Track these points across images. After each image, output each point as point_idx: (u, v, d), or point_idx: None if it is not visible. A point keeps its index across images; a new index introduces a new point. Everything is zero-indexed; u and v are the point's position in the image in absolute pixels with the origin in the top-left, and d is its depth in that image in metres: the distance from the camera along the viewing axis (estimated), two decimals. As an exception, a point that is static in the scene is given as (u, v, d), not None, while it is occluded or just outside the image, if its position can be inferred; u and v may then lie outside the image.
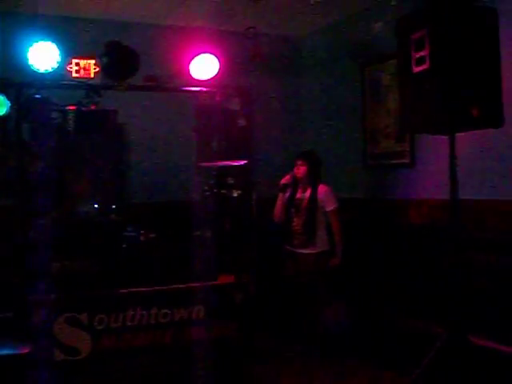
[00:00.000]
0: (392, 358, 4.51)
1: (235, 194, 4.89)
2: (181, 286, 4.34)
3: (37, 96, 4.09)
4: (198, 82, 4.59)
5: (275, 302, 5.01)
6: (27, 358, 3.73)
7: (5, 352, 3.83)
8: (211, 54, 4.51)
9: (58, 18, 5.31)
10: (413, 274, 5.01)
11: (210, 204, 4.75)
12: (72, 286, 4.06)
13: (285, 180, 5.01)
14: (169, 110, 5.67)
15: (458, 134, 3.57)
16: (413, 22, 3.52)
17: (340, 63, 6.20)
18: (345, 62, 6.12)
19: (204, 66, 4.51)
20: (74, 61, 4.17)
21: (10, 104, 4.09)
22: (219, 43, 4.68)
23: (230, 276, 4.58)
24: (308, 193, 4.95)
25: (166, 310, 4.24)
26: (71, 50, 4.19)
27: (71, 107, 4.56)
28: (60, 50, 4.06)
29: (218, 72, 4.52)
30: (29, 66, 3.99)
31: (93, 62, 4.21)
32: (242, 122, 4.85)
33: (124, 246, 4.43)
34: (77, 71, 4.17)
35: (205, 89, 4.70)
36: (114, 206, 4.93)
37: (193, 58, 4.49)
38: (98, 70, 4.22)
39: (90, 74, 4.20)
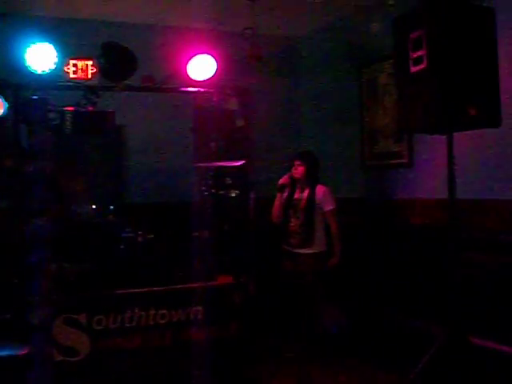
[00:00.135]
0: (392, 358, 4.51)
1: (233, 195, 4.89)
2: (179, 286, 4.33)
3: (34, 97, 4.09)
4: (196, 83, 4.59)
5: (274, 302, 5.00)
6: (26, 359, 3.73)
7: (3, 353, 3.83)
8: (209, 54, 4.51)
9: (55, 20, 5.31)
10: (412, 273, 5.01)
11: (208, 204, 4.74)
12: (70, 287, 4.06)
13: (283, 180, 5.01)
14: (167, 110, 5.67)
15: (456, 134, 3.56)
16: (410, 21, 3.52)
17: (338, 63, 6.21)
18: (342, 62, 6.12)
19: (202, 67, 4.50)
20: (72, 62, 4.16)
21: (7, 105, 4.08)
22: (217, 44, 4.67)
23: (229, 276, 4.58)
24: (306, 193, 4.95)
25: (164, 311, 4.24)
26: (69, 51, 4.19)
27: (69, 108, 4.54)
28: (57, 51, 4.05)
29: (216, 72, 4.52)
30: (26, 67, 3.98)
31: (90, 63, 4.21)
32: (239, 123, 4.85)
33: (122, 246, 4.43)
34: (74, 72, 4.17)
35: (203, 89, 4.69)
36: (111, 207, 4.93)
37: (190, 59, 4.49)
38: (95, 71, 4.22)
39: (87, 75, 4.20)
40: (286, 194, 5.03)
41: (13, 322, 3.92)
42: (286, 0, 5.50)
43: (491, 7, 3.50)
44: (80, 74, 4.17)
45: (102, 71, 4.22)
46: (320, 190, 4.94)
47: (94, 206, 4.90)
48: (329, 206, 4.91)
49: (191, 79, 4.54)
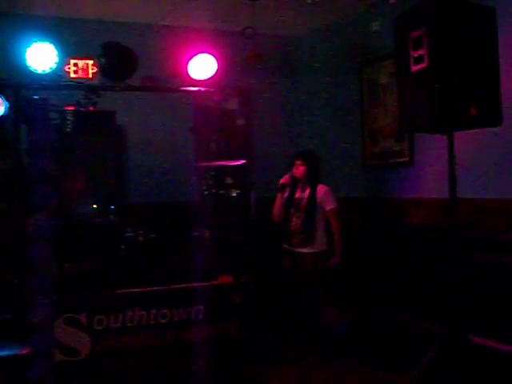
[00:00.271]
0: (392, 358, 4.50)
1: (234, 194, 4.90)
2: (180, 286, 4.33)
3: (35, 97, 4.09)
4: (196, 82, 4.59)
5: (275, 302, 5.00)
6: (27, 359, 3.73)
7: (5, 353, 3.83)
8: (209, 54, 4.51)
9: (55, 19, 5.30)
10: (412, 273, 5.01)
11: (208, 204, 4.75)
12: (71, 287, 4.06)
13: (284, 180, 5.00)
14: (167, 110, 5.67)
15: (456, 133, 3.56)
16: (411, 20, 3.51)
17: (338, 63, 6.20)
18: (343, 61, 6.11)
19: (202, 66, 4.51)
20: (72, 61, 4.17)
21: (7, 105, 4.08)
22: (217, 43, 4.68)
23: (229, 276, 4.58)
24: (307, 192, 4.94)
25: (165, 311, 4.24)
26: (69, 51, 4.20)
27: (69, 108, 4.56)
28: (58, 50, 4.06)
29: (216, 72, 4.52)
30: (27, 67, 3.99)
31: (91, 62, 4.22)
32: (240, 122, 4.85)
33: (123, 246, 4.44)
34: (75, 72, 4.17)
35: (203, 89, 4.69)
36: (112, 207, 4.92)
37: (191, 58, 4.50)
38: (96, 70, 4.22)
39: (88, 74, 4.20)
40: (286, 194, 5.03)
41: (13, 321, 3.93)
42: (286, 0, 5.51)
43: (492, 7, 3.50)
44: (81, 73, 4.17)
45: (103, 71, 4.22)
46: (321, 189, 4.93)
47: (94, 206, 4.90)
48: (330, 206, 4.91)
49: (192, 79, 4.54)
